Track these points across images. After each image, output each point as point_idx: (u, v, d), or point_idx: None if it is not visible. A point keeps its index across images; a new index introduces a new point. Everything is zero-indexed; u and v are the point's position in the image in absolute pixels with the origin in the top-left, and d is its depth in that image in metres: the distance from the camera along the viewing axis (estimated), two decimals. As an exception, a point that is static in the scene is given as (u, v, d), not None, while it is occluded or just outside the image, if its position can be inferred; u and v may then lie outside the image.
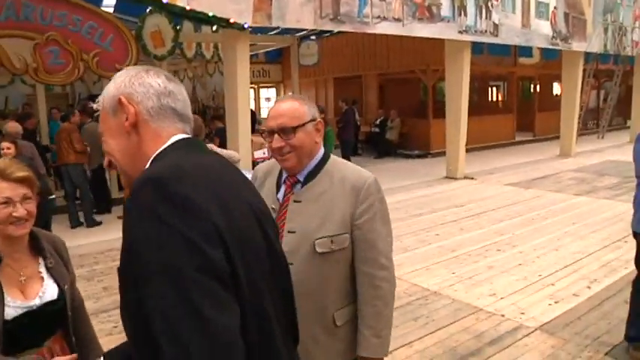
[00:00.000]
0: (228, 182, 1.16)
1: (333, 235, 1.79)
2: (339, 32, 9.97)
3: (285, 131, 1.79)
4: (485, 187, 10.00)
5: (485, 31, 10.60)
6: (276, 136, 1.79)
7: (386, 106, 16.01)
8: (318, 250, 1.78)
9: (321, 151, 1.90)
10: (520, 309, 4.44)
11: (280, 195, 1.89)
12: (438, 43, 11.40)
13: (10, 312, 1.74)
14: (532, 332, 4.02)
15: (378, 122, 15.21)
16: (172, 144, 1.16)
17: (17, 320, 1.74)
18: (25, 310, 1.76)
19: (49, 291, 1.84)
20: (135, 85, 1.20)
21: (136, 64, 8.47)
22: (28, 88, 14.28)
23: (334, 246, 1.80)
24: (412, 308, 4.55)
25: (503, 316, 4.33)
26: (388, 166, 12.83)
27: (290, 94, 1.98)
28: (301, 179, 1.86)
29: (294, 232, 1.81)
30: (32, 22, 7.62)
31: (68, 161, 7.96)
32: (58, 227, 7.26)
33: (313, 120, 1.83)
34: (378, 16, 8.60)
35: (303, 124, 1.80)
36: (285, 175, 1.90)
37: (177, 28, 8.98)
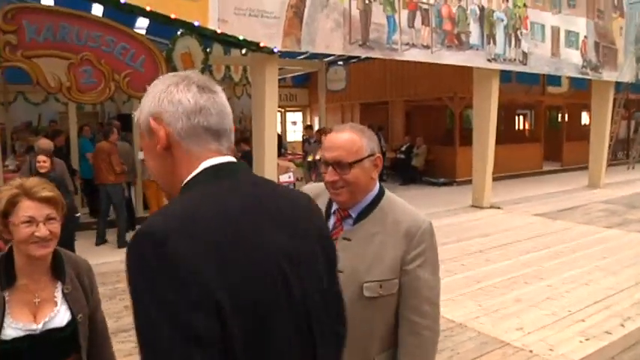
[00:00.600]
0: (249, 227, 1.07)
1: (383, 280, 1.71)
2: (366, 58, 9.99)
3: (341, 166, 1.71)
4: (511, 217, 9.82)
5: (514, 59, 10.54)
6: (330, 168, 1.72)
7: (412, 132, 15.94)
8: (366, 294, 1.69)
9: (377, 187, 1.81)
10: (549, 345, 4.29)
11: (330, 225, 1.79)
12: (465, 71, 11.36)
13: (10, 332, 1.70)
14: (563, 371, 3.88)
15: (404, 149, 15.14)
16: (201, 172, 1.11)
17: (15, 342, 1.70)
18: (26, 333, 1.72)
19: (59, 317, 1.80)
20: (164, 103, 1.14)
21: (166, 85, 8.59)
22: (61, 106, 14.58)
23: (383, 291, 1.71)
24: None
25: (531, 351, 4.18)
26: (413, 193, 12.72)
27: (350, 124, 1.86)
28: (353, 215, 1.78)
29: (342, 271, 1.64)
30: (68, 43, 7.81)
31: (107, 181, 8.08)
32: (82, 244, 7.32)
33: (372, 155, 1.75)
34: (407, 43, 8.61)
35: (361, 160, 1.71)
36: (335, 206, 1.82)
37: (207, 50, 9.11)
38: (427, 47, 8.95)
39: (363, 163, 1.72)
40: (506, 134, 16.03)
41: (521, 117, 19.69)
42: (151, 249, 0.97)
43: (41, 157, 5.63)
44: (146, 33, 10.00)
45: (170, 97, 1.14)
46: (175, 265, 0.95)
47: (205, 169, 1.11)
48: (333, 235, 1.74)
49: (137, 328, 0.98)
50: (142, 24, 11.33)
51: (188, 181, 1.11)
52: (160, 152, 1.13)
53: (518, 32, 10.48)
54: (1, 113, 12.77)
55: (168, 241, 0.96)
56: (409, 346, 1.75)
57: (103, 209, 8.20)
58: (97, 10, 10.18)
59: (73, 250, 5.66)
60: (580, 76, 12.55)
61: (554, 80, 15.49)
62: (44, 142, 7.27)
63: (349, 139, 1.72)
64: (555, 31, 11.37)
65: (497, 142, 11.08)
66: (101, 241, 8.00)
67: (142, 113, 1.18)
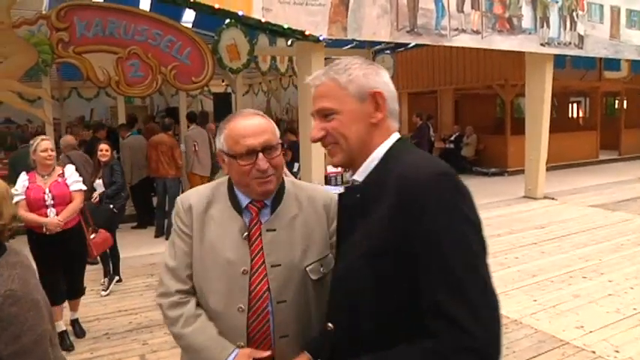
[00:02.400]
0: None
1: (321, 259, 1.68)
2: (414, 46, 9.77)
3: (272, 149, 1.61)
4: (567, 208, 9.42)
5: (570, 43, 10.05)
6: (261, 155, 1.58)
7: (461, 121, 15.55)
8: (313, 277, 1.67)
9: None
10: (614, 346, 4.03)
11: (247, 222, 1.68)
12: (517, 57, 10.93)
13: None
14: (630, 374, 3.64)
15: (453, 138, 14.78)
16: (397, 141, 1.39)
17: None
18: None
19: None
20: (387, 84, 1.40)
21: (211, 77, 8.64)
22: (111, 101, 14.95)
23: (324, 269, 1.67)
24: (490, 337, 4.24)
25: (594, 352, 3.94)
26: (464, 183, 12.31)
27: (249, 110, 1.73)
28: (269, 203, 1.68)
29: (279, 265, 1.62)
30: (116, 37, 7.93)
31: (168, 175, 8.19)
32: (136, 233, 7.43)
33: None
34: (456, 29, 8.32)
35: (281, 143, 1.68)
36: (245, 201, 1.67)
37: (253, 41, 9.08)
38: (477, 32, 8.63)
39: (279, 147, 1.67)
40: (559, 122, 15.42)
41: (574, 104, 18.94)
42: (455, 182, 1.24)
43: (103, 147, 5.79)
44: (192, 26, 10.09)
45: (386, 80, 1.40)
46: (469, 193, 1.25)
47: (399, 140, 1.39)
48: (255, 230, 1.64)
49: (446, 260, 1.16)
50: (188, 18, 11.46)
51: (392, 145, 1.38)
52: (371, 122, 1.37)
53: (574, 14, 9.97)
54: (57, 109, 13.15)
55: (458, 179, 1.25)
56: None
57: (159, 202, 8.28)
58: (145, 4, 10.34)
59: (114, 235, 5.70)
60: (642, 59, 11.89)
61: (613, 64, 14.73)
62: (68, 138, 7.44)
63: (266, 121, 1.66)
64: (615, 11, 10.75)
65: (551, 130, 10.63)
66: (160, 233, 8.07)
67: (355, 78, 1.36)
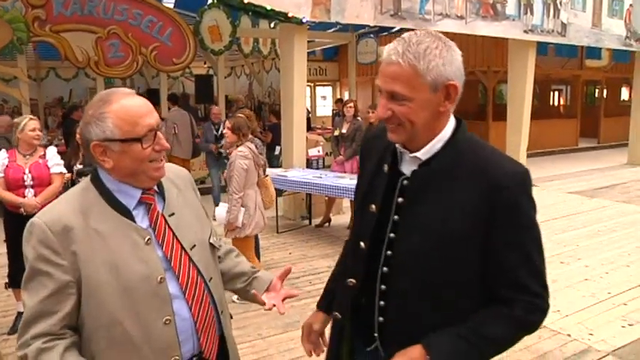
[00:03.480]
0: None
1: (211, 229, 1.70)
2: (398, 30, 9.71)
3: (159, 128, 1.52)
4: (546, 194, 9.51)
5: (553, 30, 10.08)
6: (159, 134, 1.48)
7: (443, 107, 15.59)
8: (216, 245, 1.68)
9: None
10: (588, 329, 4.10)
11: (143, 221, 1.49)
12: (500, 43, 10.96)
13: None
14: (604, 357, 3.69)
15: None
16: (458, 124, 1.48)
17: None
18: None
19: None
20: (461, 72, 1.41)
21: (193, 59, 8.52)
22: (90, 82, 14.67)
23: (217, 237, 1.70)
24: (469, 321, 4.28)
25: (569, 335, 4.00)
26: None
27: (123, 89, 1.49)
28: (156, 189, 1.55)
29: (194, 245, 1.55)
30: (95, 16, 7.77)
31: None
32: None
33: None
34: (440, 13, 8.29)
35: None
36: (132, 197, 1.48)
37: (235, 23, 8.96)
38: (461, 18, 8.62)
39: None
40: (540, 110, 15.54)
41: (556, 92, 19.08)
42: (530, 180, 1.44)
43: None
44: (174, 6, 9.91)
45: (459, 66, 1.41)
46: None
47: (459, 122, 1.49)
48: (160, 221, 1.50)
49: (528, 248, 1.40)
50: (169, -3, 11.24)
51: (456, 129, 1.47)
52: (439, 110, 1.41)
53: (558, 1, 10.00)
54: (34, 89, 12.91)
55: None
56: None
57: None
58: (124, -18, 10.10)
59: None
60: (623, 47, 11.97)
61: (594, 53, 14.85)
62: (6, 119, 7.39)
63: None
64: (597, 0, 10.82)
65: (532, 117, 10.71)
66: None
67: (433, 71, 1.35)
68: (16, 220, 4.08)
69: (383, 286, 1.51)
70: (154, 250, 1.46)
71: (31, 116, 4.43)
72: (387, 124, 1.45)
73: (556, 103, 19.24)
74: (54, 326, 1.39)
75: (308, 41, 8.06)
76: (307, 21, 7.17)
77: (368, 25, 9.77)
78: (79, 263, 1.39)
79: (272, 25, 10.24)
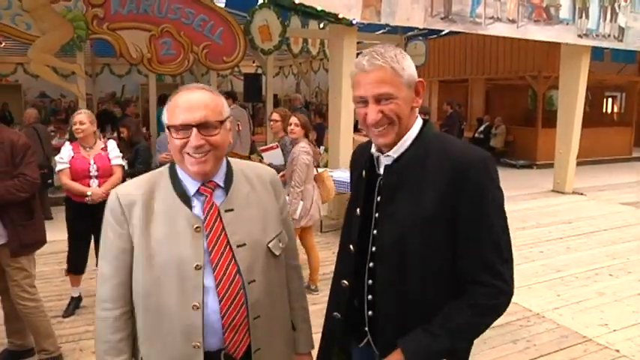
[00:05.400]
0: None
1: (278, 235, 1.69)
2: (447, 33, 9.62)
3: (209, 127, 1.53)
4: (596, 204, 9.25)
5: (609, 35, 9.77)
6: (195, 131, 1.51)
7: (492, 112, 15.34)
8: (276, 253, 1.67)
9: None
10: (638, 346, 3.97)
11: (197, 210, 1.59)
12: (552, 48, 10.70)
13: None
14: (653, 374, 3.58)
15: (482, 128, 14.59)
16: (425, 123, 1.62)
17: None
18: None
19: None
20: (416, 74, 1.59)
21: (242, 58, 8.66)
22: (143, 78, 15.12)
23: (282, 244, 1.71)
24: (512, 329, 4.22)
25: (617, 351, 3.89)
26: None
27: (197, 84, 1.64)
28: (221, 183, 1.62)
29: (243, 244, 1.58)
30: (150, 15, 7.99)
31: None
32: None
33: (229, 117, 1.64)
34: (492, 17, 8.16)
35: (224, 121, 1.59)
36: (197, 184, 1.59)
37: (285, 23, 9.05)
38: (513, 21, 8.45)
39: (227, 124, 1.61)
40: (593, 117, 15.05)
41: (609, 99, 18.46)
42: (494, 165, 1.53)
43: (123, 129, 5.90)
44: (225, 6, 10.09)
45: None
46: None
47: (425, 122, 1.63)
48: (212, 214, 1.57)
49: (491, 225, 1.51)
50: (221, -4, 11.45)
51: (422, 125, 1.61)
52: (412, 107, 1.58)
53: (616, 4, 9.67)
54: (89, 84, 13.37)
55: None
56: (303, 290, 1.91)
57: None
58: (179, -18, 10.34)
59: None
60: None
61: (653, 59, 14.34)
62: (31, 111, 7.88)
63: (210, 97, 1.57)
64: (660, 3, 10.41)
65: (583, 125, 10.40)
66: None
67: (408, 68, 1.55)
68: (79, 209, 4.29)
69: (370, 281, 1.64)
70: (200, 239, 1.55)
71: (81, 110, 4.63)
72: (376, 129, 1.56)
73: (609, 110, 18.62)
74: (111, 292, 1.59)
75: (357, 42, 8.07)
76: (357, 22, 7.19)
77: (417, 28, 9.70)
78: (134, 235, 1.56)
79: (321, 25, 10.29)
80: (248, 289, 1.57)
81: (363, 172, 1.68)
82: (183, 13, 8.11)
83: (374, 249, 1.61)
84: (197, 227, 1.55)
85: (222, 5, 10.18)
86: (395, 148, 1.58)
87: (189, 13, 8.15)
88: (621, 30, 9.92)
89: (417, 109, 1.63)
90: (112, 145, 4.54)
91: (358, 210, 1.66)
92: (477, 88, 16.57)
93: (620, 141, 15.56)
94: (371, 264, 1.62)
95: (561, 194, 10.04)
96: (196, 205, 1.59)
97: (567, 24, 9.16)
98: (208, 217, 1.57)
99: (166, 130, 1.58)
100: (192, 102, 1.53)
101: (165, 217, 1.56)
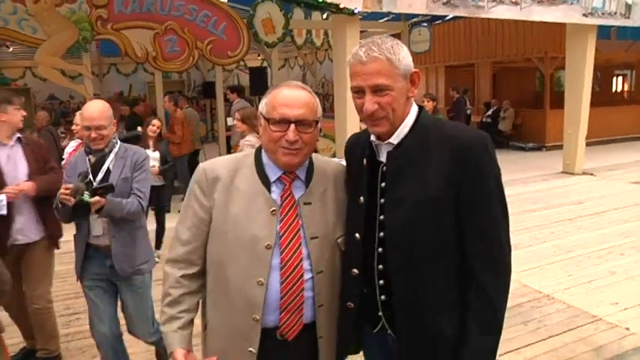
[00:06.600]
0: None
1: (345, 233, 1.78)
2: (451, 19, 9.58)
3: (306, 125, 1.65)
4: (606, 184, 9.21)
5: (615, 12, 9.67)
6: (292, 127, 1.62)
7: (499, 95, 15.26)
8: (343, 247, 1.76)
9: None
10: (648, 322, 4.00)
11: (275, 195, 1.70)
12: (558, 29, 10.62)
13: None
14: (664, 351, 3.60)
15: (490, 112, 14.53)
16: (420, 109, 1.67)
17: None
18: None
19: None
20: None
21: (247, 51, 8.69)
22: (149, 76, 15.20)
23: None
24: (522, 311, 4.26)
25: (627, 329, 3.90)
26: (500, 158, 11.42)
27: (298, 82, 1.82)
28: (302, 177, 1.74)
29: (316, 237, 1.70)
30: (153, 13, 8.04)
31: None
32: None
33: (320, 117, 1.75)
34: (494, 0, 8.13)
35: (318, 121, 1.71)
36: (279, 172, 1.71)
37: (288, 15, 9.07)
38: (516, 3, 8.41)
39: (318, 126, 1.72)
40: (601, 96, 14.92)
41: (619, 77, 18.28)
42: (492, 144, 1.60)
43: (157, 122, 5.95)
44: (227, 1, 10.11)
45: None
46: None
47: (420, 108, 1.68)
48: (287, 202, 1.70)
49: (494, 206, 1.58)
50: (223, -8, 11.46)
51: (421, 113, 1.66)
52: (408, 96, 1.61)
53: (621, -18, 9.58)
54: (97, 84, 13.48)
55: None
56: None
57: None
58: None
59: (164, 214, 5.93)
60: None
61: (661, 35, 14.14)
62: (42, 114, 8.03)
63: (307, 97, 1.69)
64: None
65: (592, 104, 10.34)
66: None
67: (404, 58, 1.57)
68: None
69: (380, 266, 1.67)
70: (275, 221, 1.67)
71: (78, 112, 4.72)
72: (372, 119, 1.60)
73: (619, 89, 18.45)
74: (184, 255, 1.75)
75: (360, 31, 8.07)
76: (359, 12, 7.20)
77: (420, 14, 9.67)
78: (214, 208, 1.70)
79: (324, 16, 10.30)
80: (316, 279, 1.69)
81: (364, 160, 1.71)
82: (186, 9, 8.16)
83: (382, 234, 1.65)
84: (273, 210, 1.67)
85: (225, 0, 10.22)
86: (395, 135, 1.63)
87: (192, 9, 8.20)
88: (628, 7, 9.83)
89: (413, 98, 1.67)
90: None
91: (362, 198, 1.69)
92: (483, 72, 16.48)
93: (631, 120, 15.41)
94: (380, 249, 1.66)
95: (571, 175, 10.02)
96: (275, 190, 1.71)
97: (572, 3, 9.11)
98: (284, 204, 1.69)
99: (262, 121, 1.69)
100: (293, 99, 1.65)
101: (245, 197, 1.69)
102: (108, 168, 2.90)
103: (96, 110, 2.85)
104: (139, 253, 3.00)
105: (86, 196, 2.56)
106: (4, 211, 3.09)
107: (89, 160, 2.89)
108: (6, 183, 3.17)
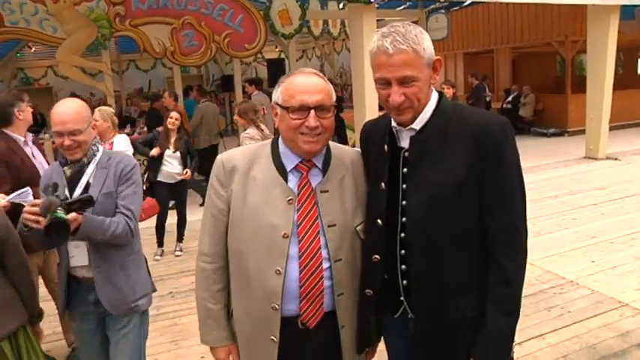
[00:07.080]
0: None
1: (364, 220, 1.79)
2: (469, 4, 9.46)
3: (324, 110, 1.66)
4: (630, 168, 9.05)
5: (639, -8, 9.44)
6: (312, 112, 1.63)
7: (519, 81, 15.04)
8: (362, 235, 1.76)
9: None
10: (675, 308, 3.94)
11: (292, 184, 1.72)
12: (578, 11, 10.43)
13: None
14: (690, 336, 3.55)
15: (510, 98, 14.35)
16: (440, 95, 1.68)
17: None
18: None
19: None
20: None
21: (264, 44, 8.71)
22: (168, 71, 15.33)
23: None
24: (546, 297, 4.23)
25: (653, 314, 3.87)
26: (521, 144, 11.45)
27: (309, 69, 1.76)
28: (319, 165, 1.74)
29: (334, 225, 1.70)
30: (169, 8, 8.11)
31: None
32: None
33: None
34: (512, -16, 8.01)
35: (335, 105, 1.73)
36: (296, 160, 1.73)
37: (304, 6, 9.06)
38: (535, -13, 8.28)
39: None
40: (625, 78, 14.60)
41: (643, 59, 17.89)
42: (511, 129, 1.62)
43: (174, 115, 5.84)
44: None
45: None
46: None
47: (439, 93, 1.70)
48: (305, 191, 1.71)
49: (513, 192, 1.60)
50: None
51: (441, 99, 1.68)
52: (430, 83, 1.63)
53: (643, -39, 9.36)
54: (116, 81, 13.63)
55: None
56: None
57: None
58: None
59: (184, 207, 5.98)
60: None
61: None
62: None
63: (323, 83, 1.71)
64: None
65: (615, 87, 10.12)
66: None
67: (427, 47, 1.58)
68: None
69: (403, 251, 1.68)
70: (292, 210, 1.68)
71: (100, 108, 4.82)
72: (398, 109, 1.61)
73: (643, 71, 18.05)
74: (210, 245, 1.79)
75: (377, 20, 8.03)
76: (375, 0, 7.15)
77: (438, 1, 9.58)
78: (232, 197, 1.73)
79: (341, 5, 10.26)
80: (334, 267, 1.70)
81: (385, 147, 1.71)
82: (202, 3, 8.20)
83: (404, 219, 1.66)
84: (290, 199, 1.69)
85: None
86: (417, 120, 1.64)
87: (209, 3, 8.24)
88: (651, -14, 9.58)
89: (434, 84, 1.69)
90: (119, 139, 4.69)
91: (383, 184, 1.69)
92: (502, 58, 16.25)
93: (656, 102, 15.07)
94: (402, 234, 1.67)
95: (594, 160, 9.86)
96: (292, 179, 1.72)
97: (592, -16, 8.91)
98: (301, 193, 1.70)
99: (279, 110, 1.69)
100: (310, 85, 1.66)
101: (262, 186, 1.71)
102: (87, 181, 2.31)
103: (68, 112, 2.25)
104: (133, 287, 2.40)
105: (60, 213, 1.97)
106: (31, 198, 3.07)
107: (64, 172, 2.32)
108: (40, 175, 3.06)
